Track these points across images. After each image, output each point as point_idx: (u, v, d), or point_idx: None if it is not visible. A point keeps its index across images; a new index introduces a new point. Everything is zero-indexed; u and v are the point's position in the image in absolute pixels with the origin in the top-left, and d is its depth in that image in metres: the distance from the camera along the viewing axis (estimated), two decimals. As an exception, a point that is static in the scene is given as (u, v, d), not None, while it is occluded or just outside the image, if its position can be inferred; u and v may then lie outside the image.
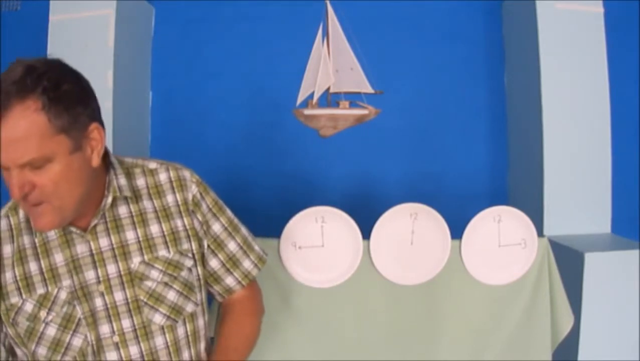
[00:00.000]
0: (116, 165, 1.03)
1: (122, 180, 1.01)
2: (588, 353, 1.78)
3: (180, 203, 1.05)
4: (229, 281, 1.12)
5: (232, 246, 1.12)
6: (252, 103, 2.47)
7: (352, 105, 2.49)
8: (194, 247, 1.05)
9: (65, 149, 0.87)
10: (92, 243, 0.97)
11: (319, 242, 1.54)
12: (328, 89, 2.48)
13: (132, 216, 1.00)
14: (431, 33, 2.49)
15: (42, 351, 0.96)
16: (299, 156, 2.51)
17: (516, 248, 1.56)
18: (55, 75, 0.86)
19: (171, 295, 1.02)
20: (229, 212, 1.14)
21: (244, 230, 1.16)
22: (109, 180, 1.00)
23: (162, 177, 1.05)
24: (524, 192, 2.33)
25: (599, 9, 2.10)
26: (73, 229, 0.97)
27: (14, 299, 0.95)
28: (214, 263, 1.10)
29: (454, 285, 1.56)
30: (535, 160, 2.14)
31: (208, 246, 1.09)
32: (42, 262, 0.96)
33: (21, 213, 0.99)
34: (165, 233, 1.02)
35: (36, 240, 0.97)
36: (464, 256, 1.55)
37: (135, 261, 0.99)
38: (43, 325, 0.95)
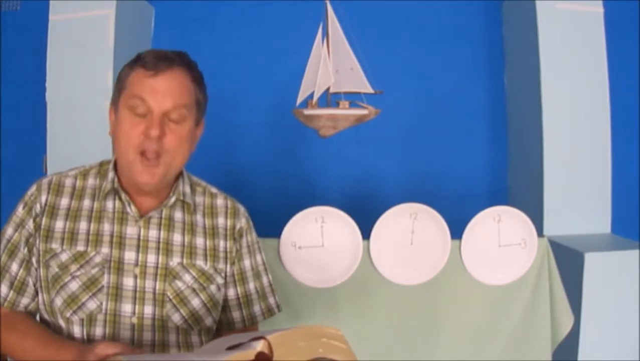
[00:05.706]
0: (185, 175, 1.15)
1: (187, 189, 1.13)
2: (588, 353, 1.78)
3: (228, 227, 1.15)
4: (235, 315, 1.17)
5: (252, 286, 1.18)
6: (252, 103, 2.47)
7: (352, 105, 2.49)
8: (227, 269, 1.14)
9: (193, 117, 1.08)
10: (142, 230, 1.07)
11: (319, 242, 1.54)
12: (328, 89, 2.48)
13: (184, 223, 1.11)
14: (431, 33, 2.49)
15: (58, 302, 1.03)
16: (299, 156, 2.51)
17: (516, 248, 1.56)
18: (198, 69, 1.12)
19: (195, 302, 1.08)
20: (262, 256, 1.23)
21: (268, 278, 1.23)
22: (176, 185, 1.11)
23: (220, 202, 1.17)
24: (524, 192, 2.33)
25: (599, 9, 2.10)
26: (131, 211, 1.07)
27: (55, 245, 1.05)
28: (230, 293, 1.16)
29: (454, 285, 1.56)
30: (535, 160, 2.13)
31: (232, 275, 1.16)
32: (91, 225, 1.06)
33: (90, 180, 1.11)
34: (207, 248, 1.12)
35: (94, 206, 1.08)
36: (464, 256, 1.55)
37: (175, 260, 1.08)
38: (69, 277, 1.03)
